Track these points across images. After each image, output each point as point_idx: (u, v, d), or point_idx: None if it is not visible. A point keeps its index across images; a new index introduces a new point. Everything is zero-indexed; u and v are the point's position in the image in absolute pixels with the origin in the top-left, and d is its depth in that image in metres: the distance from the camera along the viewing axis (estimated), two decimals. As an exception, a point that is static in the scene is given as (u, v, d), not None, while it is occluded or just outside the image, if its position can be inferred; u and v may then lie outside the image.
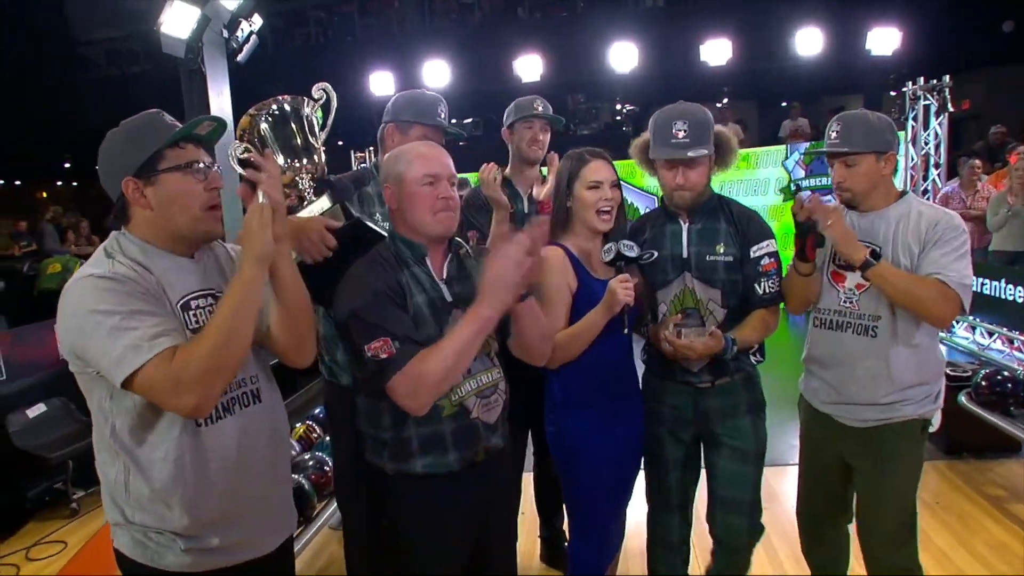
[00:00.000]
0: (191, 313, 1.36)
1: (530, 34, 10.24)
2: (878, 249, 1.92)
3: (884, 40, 8.42)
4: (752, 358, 2.09)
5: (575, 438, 1.96)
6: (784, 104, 11.20)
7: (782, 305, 2.06)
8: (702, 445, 2.10)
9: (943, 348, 2.08)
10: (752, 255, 1.98)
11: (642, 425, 2.07)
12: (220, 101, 5.55)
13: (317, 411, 3.51)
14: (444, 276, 1.66)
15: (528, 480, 2.68)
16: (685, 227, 2.01)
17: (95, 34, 12.59)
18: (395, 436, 1.60)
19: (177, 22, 4.85)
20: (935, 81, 6.76)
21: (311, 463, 2.85)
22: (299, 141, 1.77)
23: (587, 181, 1.92)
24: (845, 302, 2.00)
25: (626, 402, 2.02)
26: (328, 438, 3.05)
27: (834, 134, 1.98)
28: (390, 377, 1.50)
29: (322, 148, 1.84)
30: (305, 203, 1.80)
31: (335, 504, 2.59)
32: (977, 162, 6.57)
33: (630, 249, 1.87)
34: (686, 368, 2.01)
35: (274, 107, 1.75)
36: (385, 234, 1.74)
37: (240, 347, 1.28)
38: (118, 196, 1.34)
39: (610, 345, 1.92)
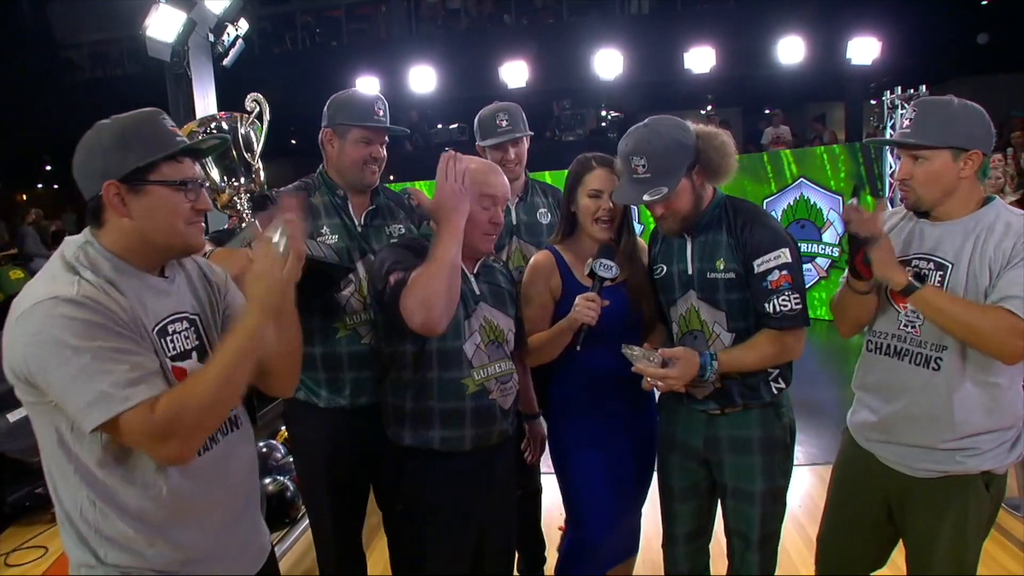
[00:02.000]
0: (168, 339, 1.25)
1: (516, 40, 10.31)
2: (926, 272, 1.62)
3: (864, 49, 8.59)
4: (773, 384, 1.80)
5: (565, 444, 2.00)
6: (768, 111, 11.35)
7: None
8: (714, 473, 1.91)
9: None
10: (756, 269, 1.71)
11: (649, 436, 2.01)
12: (206, 104, 5.53)
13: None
14: (475, 271, 1.79)
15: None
16: (689, 241, 1.83)
17: (79, 37, 12.52)
18: (416, 407, 1.70)
19: (162, 26, 4.83)
20: (912, 91, 6.88)
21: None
22: (236, 159, 1.73)
23: (588, 188, 1.90)
24: (906, 326, 1.66)
25: (625, 412, 1.96)
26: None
27: (907, 120, 1.63)
28: (399, 294, 1.58)
29: (259, 164, 1.79)
30: (244, 224, 1.76)
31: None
32: None
33: (607, 270, 1.80)
34: (692, 394, 1.83)
35: (212, 125, 1.73)
36: (345, 266, 1.84)
37: (236, 398, 1.21)
38: (93, 196, 1.21)
39: (601, 356, 1.86)
